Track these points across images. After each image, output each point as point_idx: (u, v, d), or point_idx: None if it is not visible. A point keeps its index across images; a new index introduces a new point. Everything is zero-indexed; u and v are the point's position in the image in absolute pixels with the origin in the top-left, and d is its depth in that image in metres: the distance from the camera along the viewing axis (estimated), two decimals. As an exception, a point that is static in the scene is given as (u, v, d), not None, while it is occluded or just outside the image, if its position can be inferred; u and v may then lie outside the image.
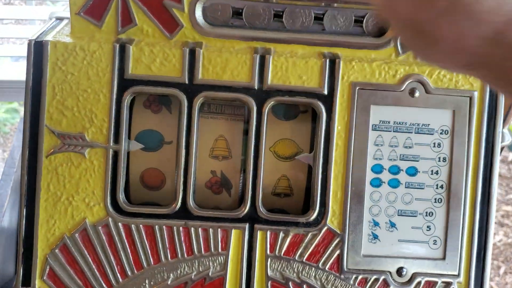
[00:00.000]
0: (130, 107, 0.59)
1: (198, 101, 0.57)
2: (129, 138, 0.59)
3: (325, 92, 0.58)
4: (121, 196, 0.58)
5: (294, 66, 0.58)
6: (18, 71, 1.94)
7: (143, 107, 0.61)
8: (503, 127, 0.66)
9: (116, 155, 0.58)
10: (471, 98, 0.58)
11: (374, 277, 0.58)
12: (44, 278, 0.58)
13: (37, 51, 0.57)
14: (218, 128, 0.61)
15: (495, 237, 2.32)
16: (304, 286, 0.58)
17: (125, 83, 0.58)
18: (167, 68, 0.57)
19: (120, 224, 0.58)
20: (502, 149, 0.68)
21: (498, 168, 0.59)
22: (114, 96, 0.58)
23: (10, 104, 2.64)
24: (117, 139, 0.58)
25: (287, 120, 0.62)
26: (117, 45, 0.57)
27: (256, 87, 0.58)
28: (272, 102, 0.58)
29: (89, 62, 0.57)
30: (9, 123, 2.67)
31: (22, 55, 2.15)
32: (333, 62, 0.58)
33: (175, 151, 0.59)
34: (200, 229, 0.58)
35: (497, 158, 0.59)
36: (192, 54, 0.57)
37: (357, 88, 0.58)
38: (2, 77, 1.86)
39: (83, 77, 0.57)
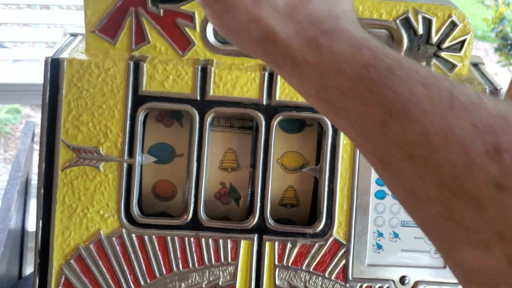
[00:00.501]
0: (143, 121, 0.62)
1: (209, 117, 0.60)
2: (142, 151, 0.61)
3: (331, 107, 0.60)
4: (135, 208, 0.60)
5: (301, 83, 0.60)
6: (19, 72, 1.96)
7: (155, 121, 0.63)
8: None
9: (130, 168, 0.60)
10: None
11: (378, 285, 0.60)
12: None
13: (54, 68, 0.59)
14: (227, 141, 0.63)
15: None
16: (311, 294, 0.60)
17: (139, 99, 0.60)
18: (180, 85, 0.60)
19: (133, 235, 0.60)
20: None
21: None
22: (129, 112, 0.60)
23: (12, 104, 2.65)
24: (131, 153, 0.60)
25: (293, 133, 0.64)
26: (131, 63, 0.59)
27: (264, 103, 0.60)
28: (280, 117, 0.60)
29: (104, 79, 0.60)
30: (10, 123, 2.68)
31: (23, 58, 2.18)
32: (339, 79, 0.60)
33: (185, 163, 0.62)
34: (210, 240, 0.60)
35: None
36: (204, 71, 0.60)
37: (362, 104, 0.60)
38: (3, 79, 1.88)
39: (98, 93, 0.60)
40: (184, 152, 0.62)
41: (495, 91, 0.61)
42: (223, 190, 0.64)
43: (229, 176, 0.64)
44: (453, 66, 0.62)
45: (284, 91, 0.60)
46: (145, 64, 0.59)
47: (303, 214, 0.64)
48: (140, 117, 0.60)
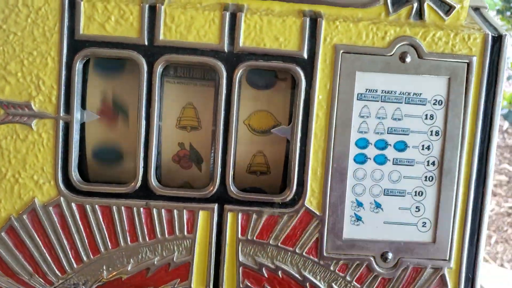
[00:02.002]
0: (83, 72, 0.52)
1: (159, 65, 0.50)
2: (82, 107, 0.52)
3: (305, 56, 0.51)
4: (74, 173, 0.52)
5: (270, 26, 0.51)
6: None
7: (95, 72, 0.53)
8: (503, 97, 0.60)
9: (67, 126, 0.51)
10: (469, 64, 0.52)
11: (357, 262, 0.53)
12: (-11, 263, 0.52)
13: (-26, 7, 0.50)
14: (186, 94, 0.54)
15: (486, 207, 2.29)
16: (279, 272, 0.53)
17: (76, 44, 0.50)
18: (124, 27, 0.50)
19: (73, 204, 0.52)
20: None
21: (496, 143, 0.53)
22: (64, 60, 0.50)
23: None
24: (68, 109, 0.51)
25: (263, 90, 0.55)
26: (66, 1, 0.50)
27: (226, 50, 0.51)
28: (244, 67, 0.51)
29: (34, 20, 0.50)
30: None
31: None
32: (315, 22, 0.51)
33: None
34: (163, 210, 0.52)
35: (496, 131, 0.53)
36: (152, 11, 0.50)
37: (341, 51, 0.51)
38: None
39: (27, 37, 0.50)
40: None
41: (498, 38, 0.52)
42: (182, 152, 0.55)
43: (189, 136, 0.55)
44: (450, 8, 0.53)
45: (250, 35, 0.51)
46: (82, 3, 0.50)
47: (275, 183, 0.55)
48: (78, 65, 0.50)
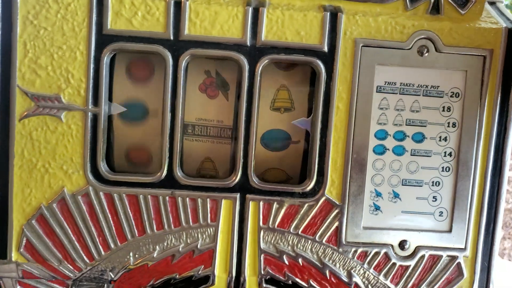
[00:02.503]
0: (111, 66, 0.54)
1: (184, 59, 0.52)
2: (110, 100, 0.54)
3: (326, 49, 0.52)
4: (102, 164, 0.53)
5: (291, 20, 0.52)
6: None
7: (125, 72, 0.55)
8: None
9: (95, 118, 0.53)
10: (485, 58, 0.53)
11: (375, 250, 0.54)
12: (21, 250, 0.54)
13: (6, 4, 0.51)
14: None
15: (494, 202, 2.29)
16: (300, 259, 0.54)
17: (103, 39, 0.52)
18: (150, 22, 0.52)
19: (101, 193, 0.53)
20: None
21: (512, 134, 0.54)
22: (92, 54, 0.52)
23: None
24: (96, 101, 0.53)
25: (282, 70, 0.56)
26: (94, -4, 0.51)
27: (248, 44, 0.52)
28: (266, 61, 0.52)
29: (64, 15, 0.52)
30: None
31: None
32: (335, 16, 0.52)
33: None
34: (188, 199, 0.54)
35: (512, 123, 0.54)
36: (178, 6, 0.52)
37: (361, 45, 0.52)
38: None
39: (57, 32, 0.52)
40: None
41: (515, 31, 0.53)
42: (209, 80, 0.55)
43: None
44: (466, 2, 0.54)
45: (272, 30, 0.52)
46: (110, -2, 0.51)
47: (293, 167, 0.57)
48: (106, 59, 0.52)
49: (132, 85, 0.55)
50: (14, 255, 0.54)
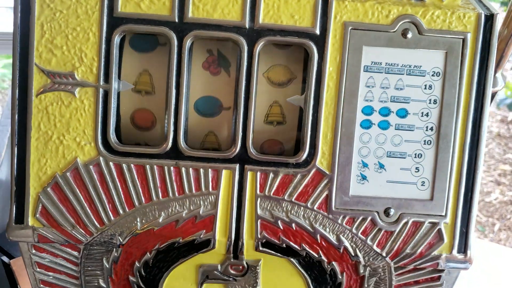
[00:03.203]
0: (121, 46, 0.59)
1: (188, 40, 0.57)
2: (119, 78, 0.59)
3: (317, 32, 0.57)
4: (112, 136, 0.58)
5: (286, 5, 0.57)
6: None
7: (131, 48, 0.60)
8: (496, 71, 0.66)
9: (106, 94, 0.58)
10: (464, 40, 0.58)
11: (362, 216, 0.59)
12: (37, 215, 0.59)
13: (24, -12, 0.56)
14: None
15: (491, 195, 2.35)
16: (293, 225, 0.59)
17: (114, 21, 0.57)
18: (157, 6, 0.57)
19: (111, 163, 0.58)
20: (494, 94, 0.68)
21: (488, 111, 0.59)
22: (104, 35, 0.57)
23: (8, 59, 2.59)
24: (107, 79, 0.57)
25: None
26: (106, -18, 0.56)
27: (247, 26, 0.57)
28: (263, 42, 0.57)
29: (78, -1, 0.57)
30: (7, 79, 2.64)
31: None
32: (326, 2, 0.57)
33: (165, 93, 0.59)
34: (191, 169, 0.58)
35: (488, 101, 0.59)
36: (182, -9, 0.56)
37: (350, 28, 0.57)
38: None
39: (72, 15, 0.57)
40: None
41: (490, 16, 0.58)
42: (211, 58, 0.59)
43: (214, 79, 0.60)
44: (448, -11, 0.59)
45: (268, 14, 0.57)
46: (120, -16, 0.56)
47: (290, 135, 0.61)
48: (116, 40, 0.57)
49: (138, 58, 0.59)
50: (30, 221, 0.59)
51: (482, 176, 2.43)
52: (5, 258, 0.89)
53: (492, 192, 2.32)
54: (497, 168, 2.45)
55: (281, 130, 0.61)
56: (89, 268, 0.62)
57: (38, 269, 0.62)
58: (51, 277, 0.63)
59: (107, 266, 0.62)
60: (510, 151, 2.57)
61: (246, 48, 0.57)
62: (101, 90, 0.57)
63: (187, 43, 0.57)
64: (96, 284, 0.63)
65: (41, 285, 0.64)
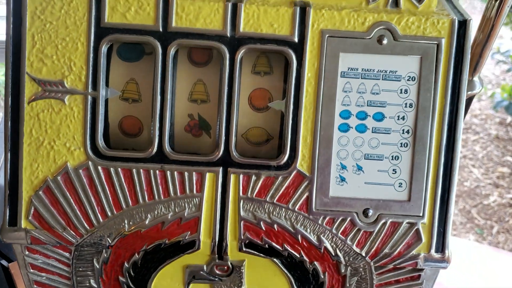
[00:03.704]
0: (108, 56, 0.61)
1: (172, 48, 0.59)
2: (107, 85, 0.61)
3: (296, 40, 0.60)
4: (100, 141, 0.61)
5: (266, 14, 0.59)
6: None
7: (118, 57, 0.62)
8: (473, 75, 0.68)
9: (94, 101, 0.60)
10: (438, 45, 0.60)
11: (341, 217, 0.61)
12: (29, 218, 0.61)
13: (17, 1, 0.59)
14: (197, 72, 0.63)
15: (489, 197, 2.35)
16: (275, 225, 0.61)
17: (101, 31, 0.59)
18: (142, 16, 0.59)
19: (99, 167, 0.61)
20: (472, 97, 0.70)
21: (463, 114, 0.61)
22: (92, 44, 0.60)
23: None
24: (95, 86, 0.60)
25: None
26: (93, -6, 0.59)
27: (228, 35, 0.59)
28: (244, 50, 0.60)
29: (67, 11, 0.59)
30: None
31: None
32: (304, 10, 0.59)
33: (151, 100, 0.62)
34: (176, 172, 0.61)
35: (463, 105, 0.61)
36: (166, 2, 0.59)
37: (327, 35, 0.59)
38: None
39: (61, 26, 0.59)
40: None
41: (463, 22, 0.60)
42: (192, 122, 0.64)
43: (198, 108, 0.64)
44: (423, -3, 0.61)
45: (248, 23, 0.59)
46: (107, -4, 0.59)
47: (271, 153, 0.64)
48: (103, 49, 0.60)
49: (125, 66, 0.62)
50: (23, 223, 0.61)
51: (480, 179, 2.44)
52: (4, 262, 0.92)
53: (491, 195, 2.32)
54: (496, 170, 2.45)
55: (266, 116, 0.62)
56: (80, 269, 0.65)
57: (31, 270, 0.65)
58: (44, 277, 0.65)
59: (98, 266, 0.64)
60: (508, 154, 2.57)
61: (228, 55, 0.60)
62: (89, 97, 0.60)
63: (171, 51, 0.59)
64: (87, 284, 0.66)
65: (35, 286, 0.66)
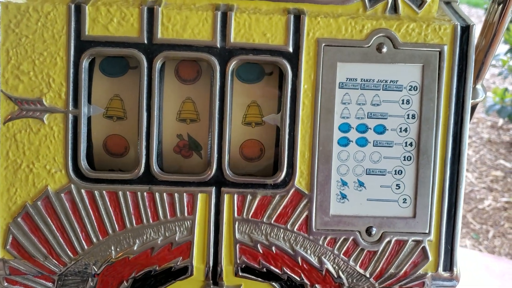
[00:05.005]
0: (90, 71, 0.57)
1: (158, 61, 0.55)
2: (89, 102, 0.57)
3: (290, 49, 0.56)
4: (83, 162, 0.56)
5: (258, 23, 0.56)
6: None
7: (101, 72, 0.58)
8: (476, 83, 0.65)
9: (76, 120, 0.56)
10: (440, 52, 0.57)
11: (344, 237, 0.57)
12: (7, 247, 0.57)
13: (-11, 14, 0.55)
14: (185, 90, 0.59)
15: (484, 202, 2.34)
16: (273, 248, 0.57)
17: (82, 45, 0.55)
18: (125, 27, 0.55)
19: (83, 190, 0.56)
20: (475, 106, 0.67)
21: (468, 124, 0.58)
22: (72, 59, 0.56)
23: None
24: (76, 104, 0.56)
25: (252, 83, 0.59)
26: (72, 5, 0.55)
27: (218, 46, 0.56)
28: (235, 61, 0.56)
29: (44, 23, 0.55)
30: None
31: None
32: (298, 18, 0.56)
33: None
34: (165, 194, 0.57)
35: (468, 114, 0.58)
36: (151, 12, 0.55)
37: (323, 44, 0.56)
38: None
39: (38, 40, 0.55)
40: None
41: (466, 28, 0.57)
42: (182, 142, 0.60)
43: (187, 127, 0.60)
44: (422, 2, 0.58)
45: (239, 32, 0.56)
46: (87, 7, 0.55)
47: (266, 170, 0.60)
48: (84, 64, 0.56)
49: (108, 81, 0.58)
50: (0, 253, 0.57)
51: (474, 183, 2.42)
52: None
53: (485, 199, 2.31)
54: (489, 174, 2.44)
55: (260, 130, 0.59)
56: (65, 299, 0.60)
57: (11, 302, 0.60)
58: (26, 310, 0.61)
59: (83, 296, 0.60)
60: (501, 157, 2.57)
61: (218, 67, 0.56)
62: (70, 116, 0.56)
63: (157, 64, 0.56)
64: (72, 315, 0.61)
65: (16, 319, 0.61)
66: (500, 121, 2.78)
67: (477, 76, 0.65)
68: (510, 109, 2.43)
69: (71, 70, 0.56)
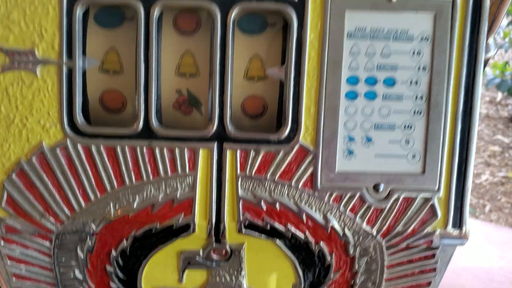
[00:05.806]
0: (85, 22, 0.54)
1: (155, 10, 0.52)
2: (83, 54, 0.55)
3: (296, -3, 0.53)
4: (78, 117, 0.54)
5: (261, -31, 0.53)
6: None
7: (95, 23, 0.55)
8: (488, 37, 0.62)
9: (70, 72, 0.53)
10: (453, 2, 0.54)
11: (350, 193, 0.56)
12: (3, 205, 0.55)
13: (-25, -42, 0.52)
14: (184, 42, 0.56)
15: (481, 176, 2.33)
16: (277, 204, 0.55)
17: (75, -8, 0.52)
18: (121, -27, 0.52)
19: (79, 146, 0.54)
20: (487, 61, 0.64)
21: (481, 78, 0.55)
22: (65, 8, 0.52)
23: None
24: (70, 55, 0.53)
25: (255, 35, 0.56)
26: (64, -51, 0.52)
27: (219, -7, 0.53)
28: (237, 9, 0.53)
29: (34, -31, 0.52)
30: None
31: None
32: (304, -37, 0.53)
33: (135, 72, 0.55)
34: (165, 149, 0.55)
35: (481, 67, 0.55)
36: (148, -44, 0.52)
37: (331, -8, 0.53)
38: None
39: (28, -14, 0.52)
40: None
41: (482, -26, 0.54)
42: (181, 98, 0.57)
43: (187, 82, 0.57)
44: None
45: (242, -21, 0.53)
46: (80, -50, 0.52)
47: (270, 126, 0.58)
48: (78, 13, 0.52)
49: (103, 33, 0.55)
50: (-4, 210, 0.55)
51: (473, 157, 2.41)
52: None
53: (482, 174, 2.30)
54: (487, 149, 2.42)
55: (263, 86, 0.56)
56: (63, 259, 0.59)
57: (9, 262, 0.59)
58: (24, 270, 0.59)
59: (82, 256, 0.58)
60: (499, 132, 2.55)
61: (219, 16, 0.53)
62: (64, 68, 0.53)
63: (155, 13, 0.53)
64: (71, 275, 0.60)
65: (14, 279, 0.60)
66: (499, 96, 2.75)
67: (489, 29, 0.62)
68: (510, 82, 2.40)
69: (64, 20, 0.53)
